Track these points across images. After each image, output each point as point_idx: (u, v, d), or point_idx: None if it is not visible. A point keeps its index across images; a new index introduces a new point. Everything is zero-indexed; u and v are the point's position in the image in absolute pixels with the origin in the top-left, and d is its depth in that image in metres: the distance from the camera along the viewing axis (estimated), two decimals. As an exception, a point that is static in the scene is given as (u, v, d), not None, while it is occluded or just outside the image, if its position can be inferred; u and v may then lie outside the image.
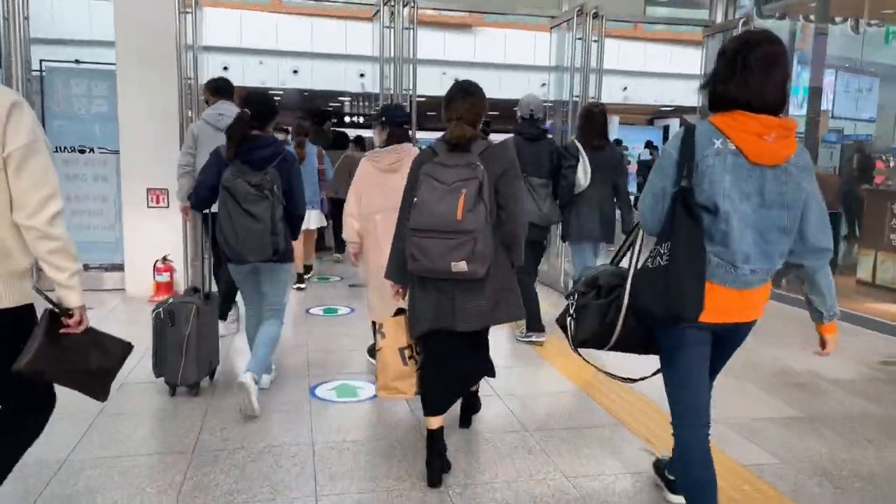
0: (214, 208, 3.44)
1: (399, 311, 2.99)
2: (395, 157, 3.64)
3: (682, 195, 2.00)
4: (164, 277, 5.69)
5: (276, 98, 3.98)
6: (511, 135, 4.78)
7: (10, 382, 1.91)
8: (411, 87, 5.27)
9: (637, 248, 2.25)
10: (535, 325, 4.84)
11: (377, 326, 3.01)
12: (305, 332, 5.06)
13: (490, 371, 3.11)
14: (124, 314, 5.46)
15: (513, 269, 2.88)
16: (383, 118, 3.73)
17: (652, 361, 2.37)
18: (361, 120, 20.11)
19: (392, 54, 5.18)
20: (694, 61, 19.85)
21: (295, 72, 18.05)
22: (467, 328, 2.78)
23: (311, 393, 3.83)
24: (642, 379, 2.49)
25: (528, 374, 4.34)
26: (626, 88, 20.33)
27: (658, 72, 19.75)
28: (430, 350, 2.88)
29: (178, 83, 5.20)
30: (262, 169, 3.35)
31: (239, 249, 3.32)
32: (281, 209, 3.37)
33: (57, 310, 1.90)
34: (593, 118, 4.74)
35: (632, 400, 3.72)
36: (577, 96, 6.21)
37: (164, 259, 5.67)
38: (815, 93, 6.37)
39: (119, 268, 6.16)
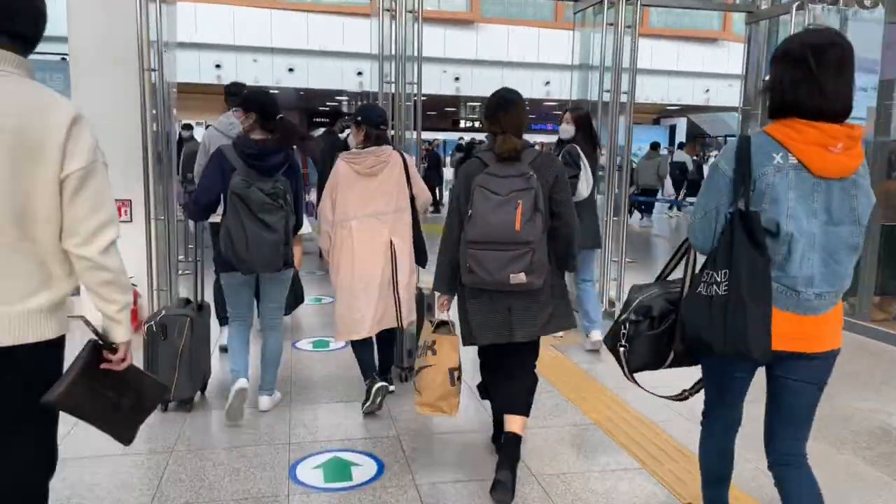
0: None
1: (441, 324, 2.93)
2: (375, 159, 3.44)
3: (743, 220, 1.86)
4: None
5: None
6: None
7: (23, 432, 1.71)
8: (416, 86, 4.47)
9: (690, 269, 2.13)
10: None
11: (426, 343, 2.92)
12: (288, 377, 4.03)
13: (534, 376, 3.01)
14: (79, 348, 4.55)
15: (563, 277, 2.89)
16: (359, 118, 3.54)
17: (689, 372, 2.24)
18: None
19: (394, 51, 4.61)
20: (701, 59, 20.09)
21: (290, 70, 17.60)
22: (524, 339, 2.78)
23: (290, 474, 2.90)
24: (692, 394, 2.34)
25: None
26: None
27: (665, 69, 19.31)
28: (485, 364, 2.98)
29: (139, 82, 4.40)
30: (271, 176, 3.22)
31: (249, 260, 3.17)
32: (293, 219, 3.30)
33: (102, 343, 1.74)
34: (591, 123, 4.72)
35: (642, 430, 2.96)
36: (607, 90, 5.41)
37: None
38: (887, 87, 5.54)
39: (73, 291, 5.16)
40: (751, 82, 6.12)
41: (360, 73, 17.27)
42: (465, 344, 2.86)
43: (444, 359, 2.87)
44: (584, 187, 4.47)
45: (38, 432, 1.76)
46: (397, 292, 3.48)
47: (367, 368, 3.58)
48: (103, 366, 1.76)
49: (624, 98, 5.28)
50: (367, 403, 3.49)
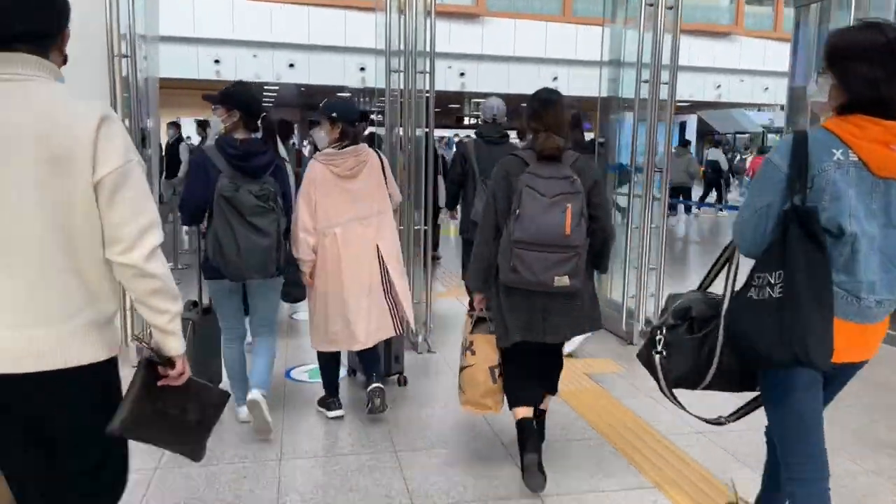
0: None
1: (480, 321, 2.95)
2: (356, 160, 3.30)
3: (800, 216, 1.76)
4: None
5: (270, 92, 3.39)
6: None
7: (87, 456, 1.62)
8: (428, 83, 4.05)
9: (733, 273, 2.02)
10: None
11: (465, 343, 2.97)
12: (280, 418, 3.45)
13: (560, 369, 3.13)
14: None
15: (592, 278, 2.93)
16: (334, 114, 3.29)
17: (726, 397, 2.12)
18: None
19: (402, 46, 4.22)
20: (712, 54, 19.71)
21: (291, 65, 17.24)
22: (555, 340, 2.87)
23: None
24: (729, 421, 2.16)
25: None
26: (645, 81, 19.43)
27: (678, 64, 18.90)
28: (513, 357, 2.94)
29: (109, 79, 3.86)
30: (258, 177, 3.08)
31: (240, 266, 3.04)
32: (285, 221, 3.16)
33: (157, 359, 1.63)
34: (580, 124, 4.82)
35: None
36: (645, 80, 4.97)
37: None
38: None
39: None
40: (800, 74, 5.54)
41: (362, 69, 16.93)
42: (498, 343, 2.88)
43: (484, 357, 2.90)
44: None
45: (101, 458, 1.67)
46: (391, 297, 3.39)
47: (329, 386, 3.54)
48: (161, 382, 1.66)
49: (664, 94, 4.85)
50: (369, 406, 3.41)
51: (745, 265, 1.93)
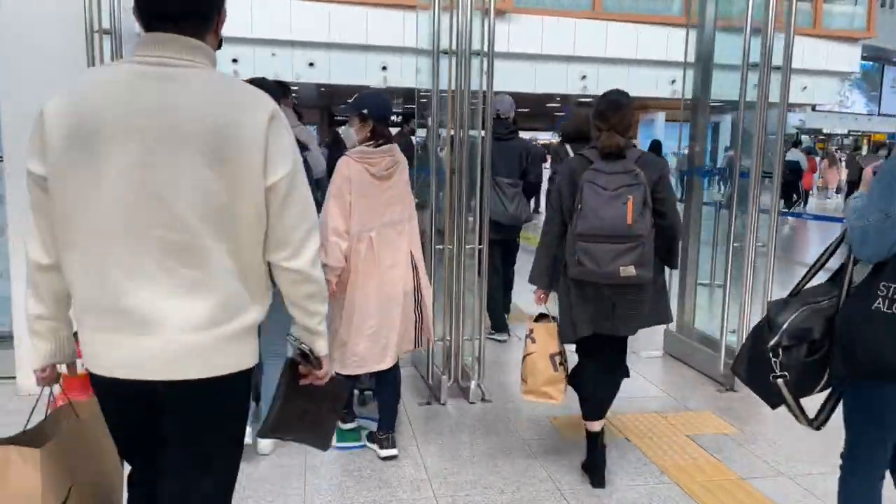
0: None
1: (541, 316, 3.05)
2: (392, 159, 3.11)
3: None
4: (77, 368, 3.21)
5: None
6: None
7: (214, 467, 1.56)
8: (486, 85, 3.48)
9: (847, 281, 1.91)
10: (498, 324, 5.02)
11: (528, 332, 3.03)
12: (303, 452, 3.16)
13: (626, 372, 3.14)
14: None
15: (663, 272, 2.96)
16: (365, 110, 3.04)
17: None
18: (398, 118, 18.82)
19: (456, 45, 3.62)
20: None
21: (311, 64, 16.79)
22: (627, 333, 2.94)
23: None
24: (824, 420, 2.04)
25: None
26: (674, 81, 19.07)
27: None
28: (586, 353, 3.02)
29: (87, 50, 3.08)
30: None
31: None
32: None
33: (308, 359, 1.65)
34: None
35: None
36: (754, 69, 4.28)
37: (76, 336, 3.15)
38: None
39: (5, 341, 3.88)
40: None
41: (384, 68, 16.54)
42: (566, 338, 2.94)
43: (544, 345, 2.98)
44: None
45: (224, 470, 1.61)
46: (420, 309, 3.21)
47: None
48: (304, 381, 1.68)
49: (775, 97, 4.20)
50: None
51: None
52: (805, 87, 20.57)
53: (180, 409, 1.47)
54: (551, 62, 17.60)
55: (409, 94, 21.71)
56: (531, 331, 3.01)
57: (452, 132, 3.36)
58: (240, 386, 1.52)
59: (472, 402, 3.77)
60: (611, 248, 2.66)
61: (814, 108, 30.31)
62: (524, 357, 3.04)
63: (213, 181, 1.36)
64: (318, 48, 16.35)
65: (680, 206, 3.24)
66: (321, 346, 1.63)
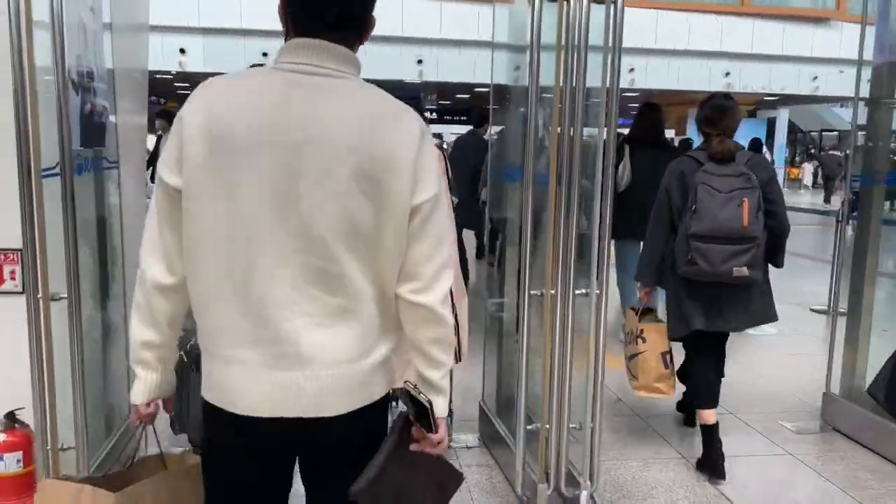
0: None
1: (646, 311, 3.19)
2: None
3: None
4: (11, 464, 2.21)
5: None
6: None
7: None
8: (610, 81, 2.38)
9: None
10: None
11: (633, 331, 3.19)
12: None
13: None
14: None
15: (768, 271, 3.01)
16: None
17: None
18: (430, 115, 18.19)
19: (572, 39, 2.54)
20: (809, 42, 17.87)
21: None
22: (736, 329, 3.09)
23: None
24: None
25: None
26: (728, 74, 18.17)
27: (766, 54, 17.37)
28: (694, 348, 3.14)
29: (13, 78, 2.03)
30: None
31: None
32: None
33: (428, 417, 1.35)
34: (658, 117, 4.89)
35: None
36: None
37: (13, 419, 2.23)
38: None
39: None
40: None
41: (420, 62, 15.96)
42: (674, 334, 3.07)
43: (655, 344, 3.14)
44: (625, 176, 4.53)
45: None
46: (455, 319, 2.42)
47: None
48: (414, 447, 1.40)
49: None
50: None
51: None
52: (869, 80, 19.31)
53: (325, 447, 1.34)
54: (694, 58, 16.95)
55: (443, 90, 20.82)
56: (641, 331, 3.15)
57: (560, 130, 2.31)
58: (382, 412, 1.40)
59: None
60: (725, 249, 2.75)
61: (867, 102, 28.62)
62: (633, 356, 3.19)
63: (359, 202, 1.24)
64: (352, 40, 15.63)
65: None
66: (440, 406, 1.39)
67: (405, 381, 1.39)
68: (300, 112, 1.22)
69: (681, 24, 16.85)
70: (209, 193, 1.22)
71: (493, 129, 4.29)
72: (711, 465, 3.02)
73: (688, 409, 3.56)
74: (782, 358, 4.85)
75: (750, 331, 5.26)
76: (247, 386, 1.27)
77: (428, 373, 1.38)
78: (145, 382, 1.38)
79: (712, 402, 3.07)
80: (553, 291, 2.38)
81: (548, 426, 2.45)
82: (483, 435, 3.30)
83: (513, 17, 3.10)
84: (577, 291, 2.38)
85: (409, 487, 1.43)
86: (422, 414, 1.36)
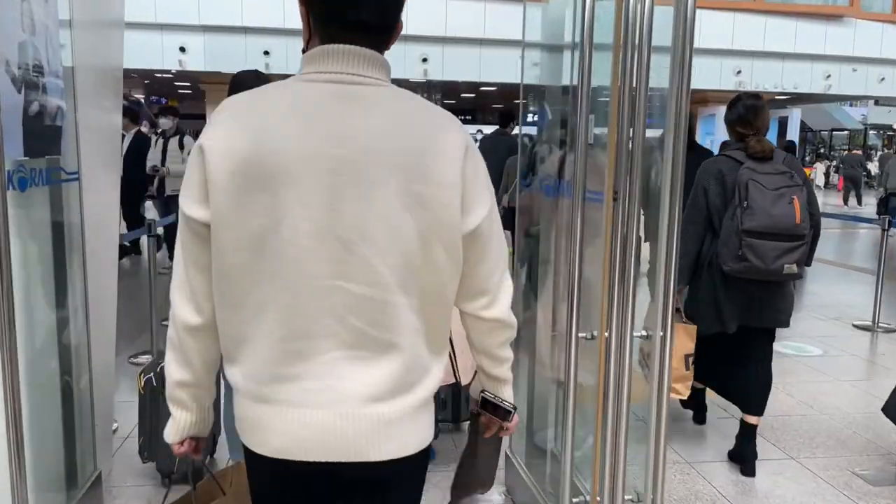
0: None
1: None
2: None
3: None
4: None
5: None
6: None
7: None
8: (682, 81, 1.94)
9: None
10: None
11: None
12: None
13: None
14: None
15: None
16: None
17: None
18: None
19: (636, 38, 2.12)
20: (822, 40, 17.57)
21: None
22: (775, 325, 3.06)
23: None
24: None
25: None
26: (740, 72, 17.94)
27: (779, 51, 17.19)
28: (731, 344, 3.09)
29: None
30: None
31: None
32: None
33: (501, 411, 1.40)
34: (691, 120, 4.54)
35: None
36: None
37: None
38: None
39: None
40: None
41: (425, 60, 15.63)
42: (709, 329, 3.01)
43: (680, 346, 2.97)
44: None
45: None
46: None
47: None
48: (488, 434, 1.46)
49: None
50: None
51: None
52: (883, 79, 18.98)
53: (366, 495, 1.25)
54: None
55: (448, 89, 20.45)
56: None
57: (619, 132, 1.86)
58: (425, 460, 1.30)
59: None
60: (778, 246, 2.75)
61: (877, 101, 28.18)
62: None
63: (405, 223, 1.15)
64: (355, 39, 15.29)
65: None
66: (510, 395, 1.41)
67: (483, 391, 1.40)
68: (337, 127, 1.13)
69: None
70: (240, 223, 1.13)
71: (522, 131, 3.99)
72: (744, 460, 3.11)
73: (697, 406, 3.58)
74: (835, 385, 4.40)
75: (792, 351, 4.93)
76: (279, 426, 1.18)
77: (496, 371, 1.39)
78: (178, 422, 1.32)
79: (760, 408, 3.10)
80: (606, 333, 1.93)
81: (598, 498, 1.99)
82: (510, 488, 2.86)
83: (547, 14, 2.75)
84: (637, 334, 1.93)
85: (489, 472, 1.57)
86: (496, 410, 1.40)
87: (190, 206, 1.15)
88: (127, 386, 3.69)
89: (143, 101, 20.69)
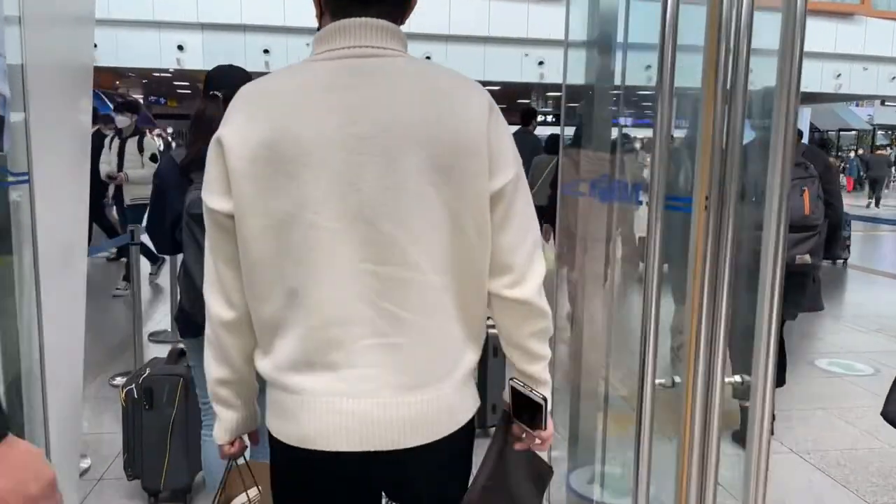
0: None
1: None
2: None
3: None
4: None
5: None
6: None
7: None
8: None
9: None
10: None
11: None
12: None
13: None
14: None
15: (821, 261, 3.08)
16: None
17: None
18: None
19: (730, 38, 1.82)
20: (833, 38, 17.28)
21: None
22: (788, 317, 3.07)
23: None
24: None
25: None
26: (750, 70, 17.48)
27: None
28: None
29: None
30: None
31: None
32: None
33: (538, 414, 1.22)
34: None
35: None
36: None
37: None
38: None
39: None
40: None
41: (428, 58, 15.02)
42: None
43: None
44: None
45: None
46: None
47: None
48: (519, 446, 1.30)
49: None
50: None
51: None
52: (895, 78, 18.74)
53: (410, 481, 1.24)
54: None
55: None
56: None
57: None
58: (470, 431, 1.25)
59: None
60: (789, 237, 2.83)
61: (883, 101, 27.81)
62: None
63: (432, 198, 1.11)
64: (356, 37, 15.09)
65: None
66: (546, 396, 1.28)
67: (511, 378, 1.27)
68: (355, 104, 1.10)
69: (700, 18, 16.34)
70: (264, 210, 1.11)
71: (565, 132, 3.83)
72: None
73: None
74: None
75: (841, 370, 4.55)
76: (312, 416, 1.15)
77: (529, 368, 1.27)
78: (226, 422, 1.31)
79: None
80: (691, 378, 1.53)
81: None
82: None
83: (594, 12, 2.56)
84: (730, 379, 1.54)
85: (517, 489, 1.36)
86: (524, 409, 1.25)
87: (213, 199, 1.15)
88: (110, 415, 3.31)
89: (141, 100, 20.34)
